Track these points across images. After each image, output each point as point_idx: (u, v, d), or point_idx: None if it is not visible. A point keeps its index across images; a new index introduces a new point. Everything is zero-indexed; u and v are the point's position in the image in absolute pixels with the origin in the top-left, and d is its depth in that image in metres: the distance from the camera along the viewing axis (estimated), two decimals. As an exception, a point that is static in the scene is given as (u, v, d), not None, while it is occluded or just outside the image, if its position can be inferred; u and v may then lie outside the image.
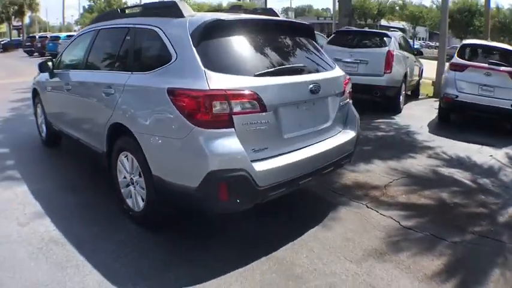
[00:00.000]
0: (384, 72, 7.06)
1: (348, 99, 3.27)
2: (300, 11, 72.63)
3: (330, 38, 8.40)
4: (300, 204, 3.43)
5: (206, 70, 2.31)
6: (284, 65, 2.74)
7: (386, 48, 7.15)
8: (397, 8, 43.58)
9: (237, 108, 2.30)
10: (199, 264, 2.44)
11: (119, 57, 3.10)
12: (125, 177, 2.94)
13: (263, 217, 3.09)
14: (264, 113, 2.41)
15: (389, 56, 7.07)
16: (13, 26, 46.83)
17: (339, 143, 3.00)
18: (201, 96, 2.22)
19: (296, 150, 2.64)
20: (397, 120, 6.87)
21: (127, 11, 3.39)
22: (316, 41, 3.31)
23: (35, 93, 4.82)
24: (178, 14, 2.62)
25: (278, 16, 3.41)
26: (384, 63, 7.06)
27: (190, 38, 2.42)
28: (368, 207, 3.34)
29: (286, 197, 3.41)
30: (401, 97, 7.47)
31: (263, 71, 2.51)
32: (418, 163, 4.53)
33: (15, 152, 4.62)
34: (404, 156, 4.76)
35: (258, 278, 2.31)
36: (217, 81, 2.28)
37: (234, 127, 2.28)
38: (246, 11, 3.53)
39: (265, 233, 2.88)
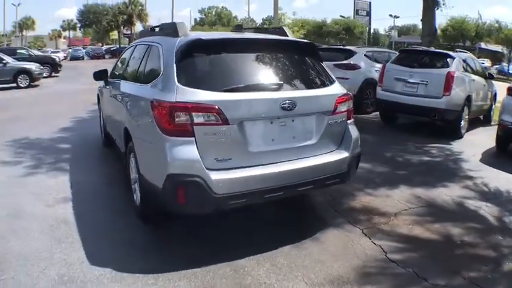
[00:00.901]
0: (443, 95, 6.55)
1: (344, 118, 3.20)
2: (405, 30, 69.71)
3: (394, 57, 8.09)
4: (293, 218, 3.47)
5: (178, 84, 2.60)
6: (258, 82, 2.88)
7: (447, 69, 6.64)
8: (495, 31, 39.38)
9: (198, 120, 2.52)
10: (167, 259, 2.70)
11: (138, 70, 3.57)
12: (133, 175, 3.36)
13: (250, 223, 3.25)
14: (225, 126, 2.58)
15: (449, 78, 6.55)
16: (123, 34, 51.92)
17: (324, 162, 2.98)
18: (167, 108, 2.52)
19: (266, 164, 2.73)
20: (452, 146, 6.29)
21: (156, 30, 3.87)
22: (315, 58, 3.33)
23: (98, 98, 5.66)
24: (175, 33, 2.99)
25: (287, 35, 3.52)
26: (443, 84, 6.56)
27: (174, 55, 2.75)
28: (363, 232, 3.22)
29: (281, 209, 3.56)
30: (462, 122, 6.81)
31: (231, 87, 2.69)
32: (448, 193, 4.15)
33: (75, 148, 5.50)
34: (437, 185, 4.40)
35: (207, 280, 2.47)
36: (184, 94, 2.55)
37: (194, 136, 2.51)
38: (256, 30, 3.73)
39: (243, 240, 3.01)
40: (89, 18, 51.84)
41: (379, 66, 9.54)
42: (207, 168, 2.54)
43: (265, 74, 3.01)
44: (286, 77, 3.10)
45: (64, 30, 64.35)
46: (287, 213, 3.53)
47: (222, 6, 66.70)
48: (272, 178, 2.72)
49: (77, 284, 2.36)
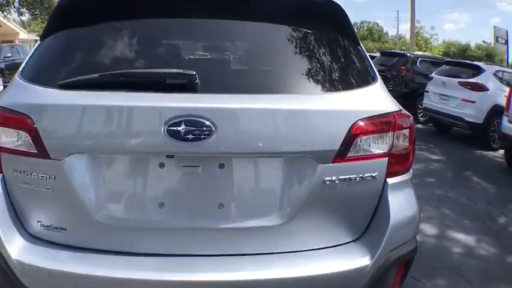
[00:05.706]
0: None
1: (377, 173, 1.35)
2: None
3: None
4: None
5: (17, 78, 1.35)
6: (136, 70, 1.36)
7: None
8: None
9: (3, 141, 1.30)
10: None
11: None
12: None
13: None
14: (44, 160, 1.27)
15: None
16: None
17: (293, 276, 1.27)
18: None
19: (138, 254, 1.30)
20: None
21: None
22: (337, 34, 1.53)
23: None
24: None
25: None
26: None
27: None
28: None
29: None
30: None
31: (73, 79, 1.29)
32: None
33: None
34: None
35: None
36: (11, 93, 1.44)
37: (2, 173, 1.33)
38: None
39: None
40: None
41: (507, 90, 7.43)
42: (32, 236, 1.33)
43: (167, 58, 1.47)
44: (222, 65, 1.63)
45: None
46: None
47: (374, 22, 65.69)
48: (145, 285, 1.26)
49: None
